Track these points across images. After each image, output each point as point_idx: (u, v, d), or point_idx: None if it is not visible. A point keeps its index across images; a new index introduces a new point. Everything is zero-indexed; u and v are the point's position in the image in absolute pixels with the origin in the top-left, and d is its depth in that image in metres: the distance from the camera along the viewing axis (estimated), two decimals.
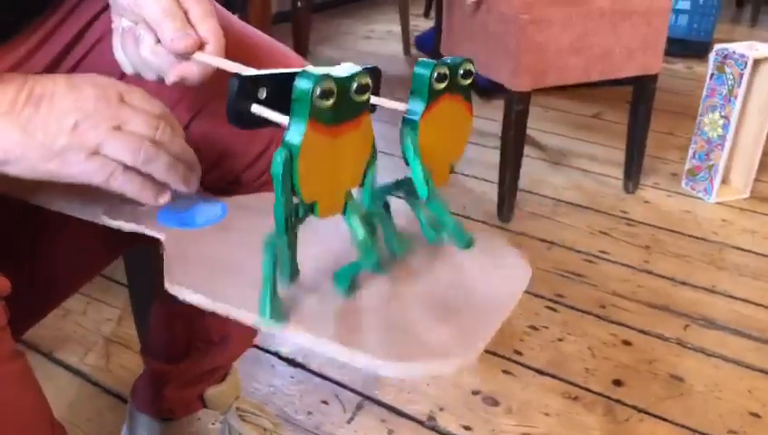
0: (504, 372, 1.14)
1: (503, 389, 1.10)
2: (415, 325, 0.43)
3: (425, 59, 0.46)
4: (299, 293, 0.45)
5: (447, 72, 0.46)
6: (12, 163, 0.50)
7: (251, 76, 0.45)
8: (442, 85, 0.46)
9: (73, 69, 0.68)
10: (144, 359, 0.89)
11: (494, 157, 1.61)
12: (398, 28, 2.96)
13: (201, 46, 0.54)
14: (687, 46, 2.86)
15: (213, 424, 0.90)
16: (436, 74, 0.45)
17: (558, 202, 1.71)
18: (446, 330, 0.43)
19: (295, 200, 0.42)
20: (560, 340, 1.22)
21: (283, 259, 0.44)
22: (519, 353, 1.18)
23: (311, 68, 0.41)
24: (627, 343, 1.22)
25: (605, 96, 2.38)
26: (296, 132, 0.39)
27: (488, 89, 2.28)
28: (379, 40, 3.15)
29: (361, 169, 0.45)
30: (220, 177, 0.69)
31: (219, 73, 0.55)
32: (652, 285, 1.38)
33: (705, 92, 1.69)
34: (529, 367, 1.15)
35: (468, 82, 0.48)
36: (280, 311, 0.42)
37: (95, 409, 1.04)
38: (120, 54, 0.59)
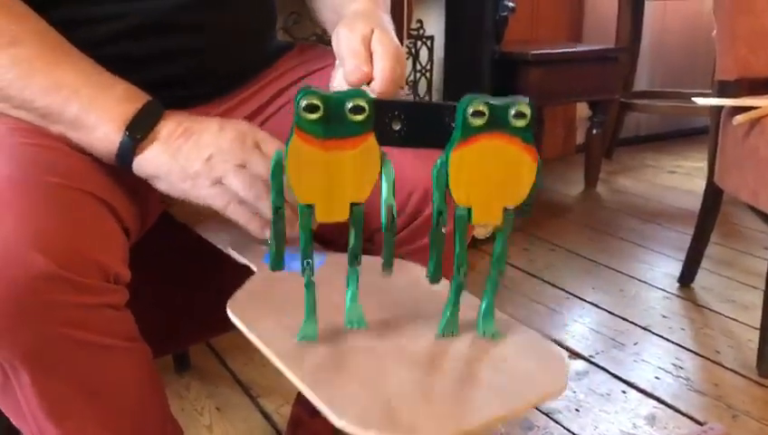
0: None
1: None
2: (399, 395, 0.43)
3: (473, 94, 0.45)
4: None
5: (485, 110, 0.45)
6: (160, 179, 0.62)
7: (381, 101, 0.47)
8: (479, 122, 0.45)
9: (263, 123, 0.81)
10: (293, 403, 0.94)
11: None
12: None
13: (369, 82, 0.59)
14: None
15: None
16: (471, 111, 0.45)
17: None
18: (427, 409, 0.42)
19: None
20: None
21: (270, 250, 0.49)
22: None
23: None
24: None
25: None
26: (290, 139, 0.44)
27: None
28: (684, 175, 2.96)
29: (369, 187, 0.47)
30: None
31: None
32: None
33: None
34: None
35: (522, 124, 0.46)
36: (278, 261, 0.49)
37: None
38: (331, 84, 0.67)
